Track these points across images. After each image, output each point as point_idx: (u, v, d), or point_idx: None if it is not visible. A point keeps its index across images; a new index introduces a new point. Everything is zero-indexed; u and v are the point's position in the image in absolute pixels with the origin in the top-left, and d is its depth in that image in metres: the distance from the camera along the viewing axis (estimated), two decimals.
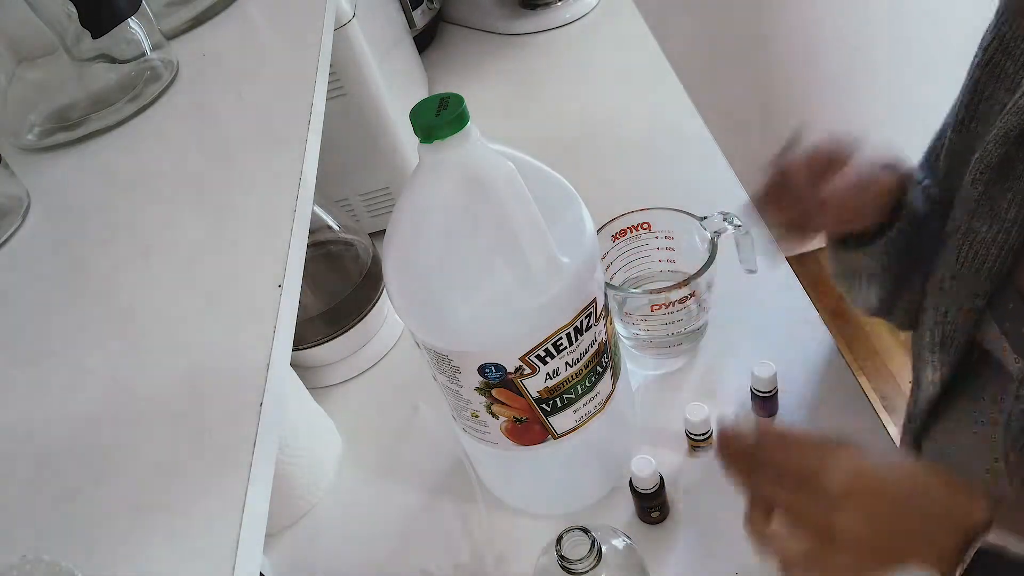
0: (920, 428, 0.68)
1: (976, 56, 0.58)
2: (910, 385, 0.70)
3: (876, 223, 0.61)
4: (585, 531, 0.49)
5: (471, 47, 1.29)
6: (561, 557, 0.49)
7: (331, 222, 0.82)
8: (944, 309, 0.59)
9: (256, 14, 0.70)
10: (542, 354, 0.54)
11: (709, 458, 0.69)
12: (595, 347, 0.57)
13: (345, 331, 0.82)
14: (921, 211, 0.62)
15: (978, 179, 0.54)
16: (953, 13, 1.61)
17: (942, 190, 0.62)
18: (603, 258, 0.73)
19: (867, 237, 0.63)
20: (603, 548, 0.50)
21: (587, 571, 0.49)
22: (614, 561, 0.52)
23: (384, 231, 0.54)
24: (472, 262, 0.51)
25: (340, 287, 0.82)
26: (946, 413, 0.66)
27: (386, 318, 0.86)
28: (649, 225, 0.74)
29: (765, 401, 0.70)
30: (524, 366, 0.54)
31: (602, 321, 0.58)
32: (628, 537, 0.53)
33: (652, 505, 0.64)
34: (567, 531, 0.49)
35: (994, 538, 0.44)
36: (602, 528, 0.52)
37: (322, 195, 0.78)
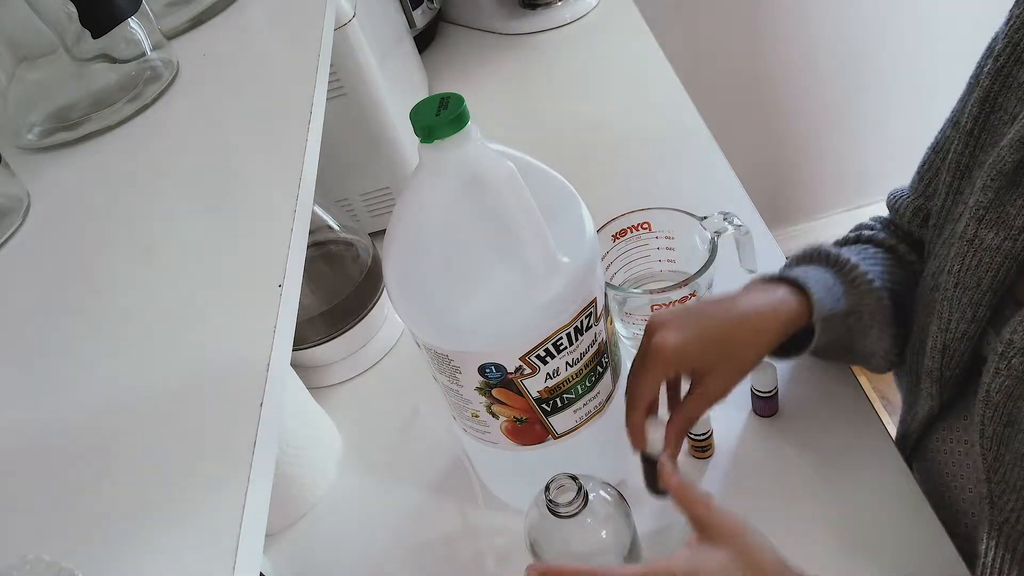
0: (913, 447, 0.68)
1: (985, 65, 0.57)
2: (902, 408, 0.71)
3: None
4: (573, 477, 0.51)
5: (471, 47, 1.29)
6: (549, 500, 0.50)
7: (331, 222, 0.82)
8: (947, 318, 0.58)
9: (256, 14, 0.69)
10: (542, 354, 0.54)
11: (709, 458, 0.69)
12: (595, 347, 0.57)
13: (345, 331, 0.82)
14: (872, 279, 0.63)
15: (989, 185, 0.53)
16: (951, 14, 1.62)
17: (941, 206, 0.61)
18: (603, 258, 0.73)
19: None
20: (590, 495, 0.51)
21: (573, 515, 0.51)
22: (601, 509, 0.53)
23: (384, 231, 0.54)
24: (472, 262, 0.51)
25: (340, 287, 0.82)
26: (939, 433, 0.65)
27: (386, 318, 0.86)
28: (649, 225, 0.74)
29: (765, 401, 0.70)
30: (524, 366, 0.54)
31: (602, 321, 0.58)
32: (616, 488, 0.54)
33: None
34: (555, 478, 0.52)
35: None
36: (590, 478, 0.54)
37: (322, 195, 0.78)
